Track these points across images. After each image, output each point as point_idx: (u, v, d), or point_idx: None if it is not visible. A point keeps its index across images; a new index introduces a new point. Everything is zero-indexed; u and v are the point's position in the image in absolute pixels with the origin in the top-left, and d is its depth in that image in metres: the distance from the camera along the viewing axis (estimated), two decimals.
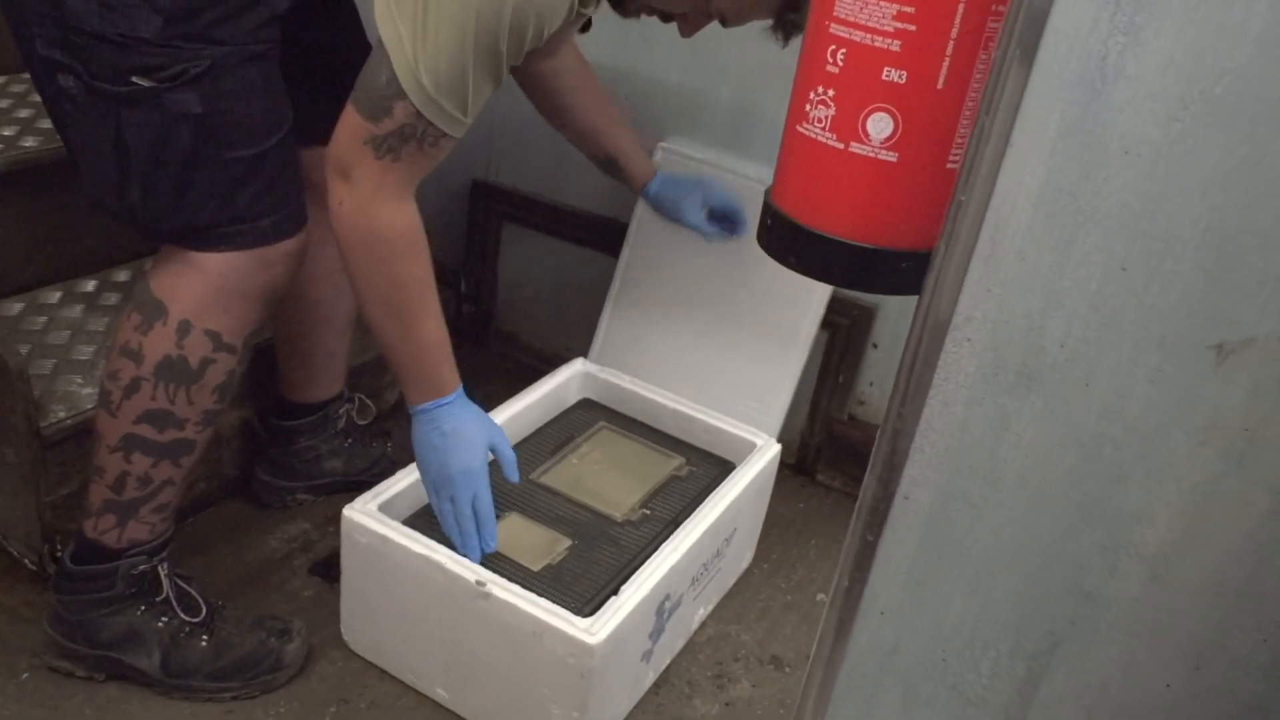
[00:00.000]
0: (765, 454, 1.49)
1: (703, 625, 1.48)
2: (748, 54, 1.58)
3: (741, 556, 1.56)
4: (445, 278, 2.04)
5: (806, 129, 0.62)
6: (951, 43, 0.57)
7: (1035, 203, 0.50)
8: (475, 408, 1.25)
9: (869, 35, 0.58)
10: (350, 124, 1.07)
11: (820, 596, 1.57)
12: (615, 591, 1.20)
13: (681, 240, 1.64)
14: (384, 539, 1.22)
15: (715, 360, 1.62)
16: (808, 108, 0.62)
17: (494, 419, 1.31)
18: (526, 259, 1.99)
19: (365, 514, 1.25)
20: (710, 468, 1.52)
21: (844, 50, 0.59)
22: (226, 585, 1.42)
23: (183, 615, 1.24)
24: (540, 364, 1.89)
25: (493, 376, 1.90)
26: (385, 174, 1.08)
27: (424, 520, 1.30)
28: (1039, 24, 0.47)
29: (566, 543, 1.33)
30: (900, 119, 0.59)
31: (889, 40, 0.57)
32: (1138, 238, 0.48)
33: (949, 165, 0.60)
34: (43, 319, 1.50)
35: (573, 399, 1.65)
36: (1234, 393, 0.49)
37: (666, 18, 1.17)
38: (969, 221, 0.52)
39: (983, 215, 0.51)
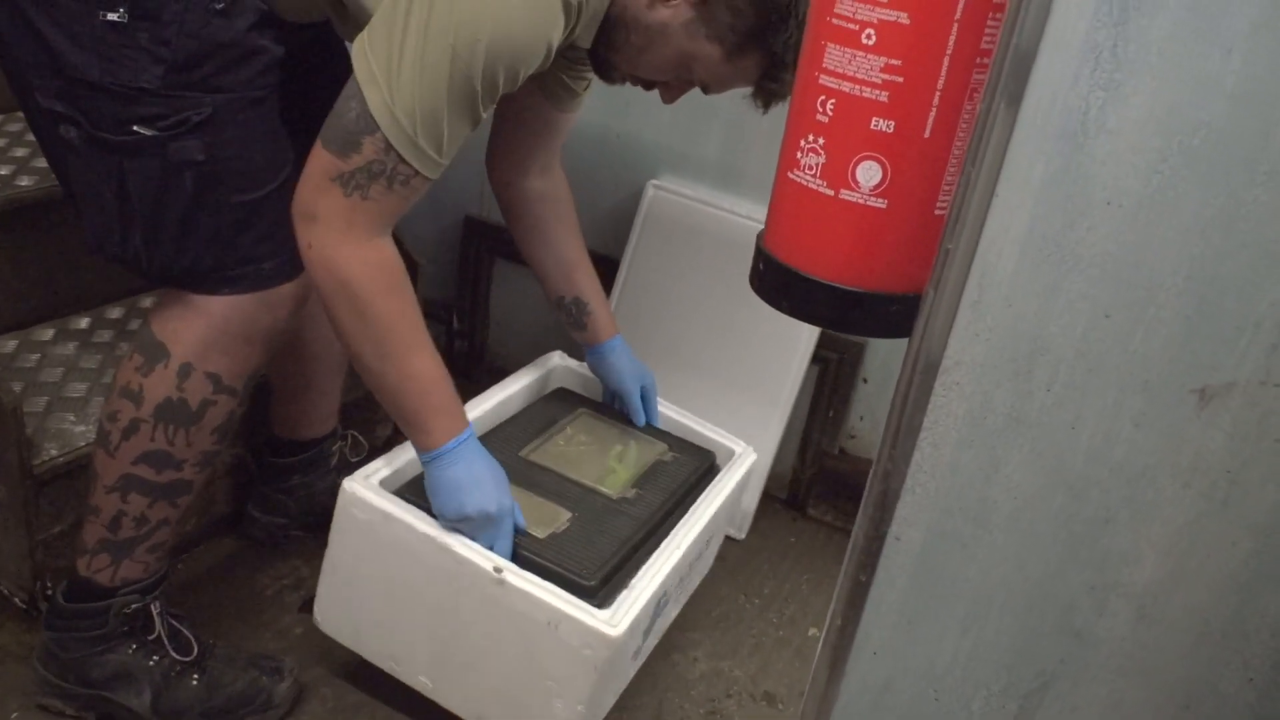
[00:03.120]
0: (745, 460, 1.47)
1: (695, 661, 1.48)
2: (738, 92, 1.61)
3: (709, 562, 1.54)
4: (437, 313, 2.05)
5: (797, 175, 0.63)
6: (938, 94, 0.58)
7: (1021, 250, 0.51)
8: (485, 449, 1.21)
9: (858, 86, 0.59)
10: (317, 161, 1.03)
11: (813, 631, 1.58)
12: (626, 560, 1.20)
13: (672, 278, 1.65)
14: (386, 516, 1.16)
15: (706, 394, 1.63)
16: (799, 155, 0.63)
17: (471, 410, 1.29)
18: (518, 295, 2.01)
19: (367, 488, 1.19)
20: (691, 456, 1.48)
21: (833, 100, 0.61)
22: (217, 622, 1.42)
23: (174, 654, 1.24)
24: None
25: None
26: (353, 213, 1.03)
27: (415, 489, 1.22)
28: (1023, 77, 0.48)
29: (567, 514, 1.28)
30: (889, 167, 0.60)
31: (877, 91, 0.59)
32: (1121, 286, 0.49)
33: (937, 211, 0.61)
34: (36, 356, 1.50)
35: (549, 389, 1.61)
36: (1216, 436, 0.50)
37: (649, 85, 1.17)
38: (956, 268, 0.53)
39: (970, 262, 0.52)
